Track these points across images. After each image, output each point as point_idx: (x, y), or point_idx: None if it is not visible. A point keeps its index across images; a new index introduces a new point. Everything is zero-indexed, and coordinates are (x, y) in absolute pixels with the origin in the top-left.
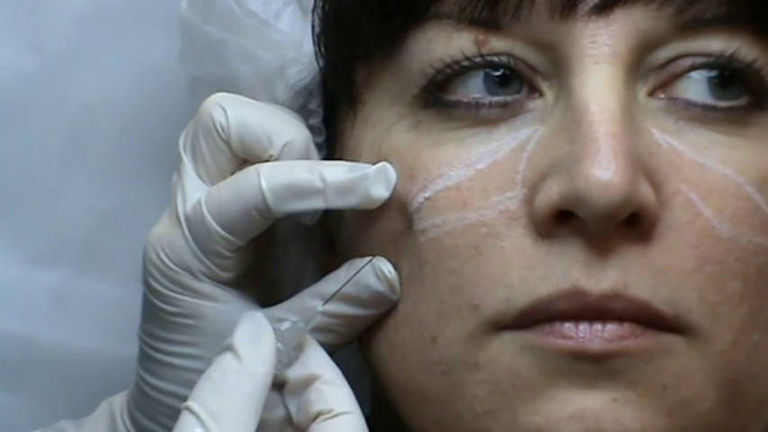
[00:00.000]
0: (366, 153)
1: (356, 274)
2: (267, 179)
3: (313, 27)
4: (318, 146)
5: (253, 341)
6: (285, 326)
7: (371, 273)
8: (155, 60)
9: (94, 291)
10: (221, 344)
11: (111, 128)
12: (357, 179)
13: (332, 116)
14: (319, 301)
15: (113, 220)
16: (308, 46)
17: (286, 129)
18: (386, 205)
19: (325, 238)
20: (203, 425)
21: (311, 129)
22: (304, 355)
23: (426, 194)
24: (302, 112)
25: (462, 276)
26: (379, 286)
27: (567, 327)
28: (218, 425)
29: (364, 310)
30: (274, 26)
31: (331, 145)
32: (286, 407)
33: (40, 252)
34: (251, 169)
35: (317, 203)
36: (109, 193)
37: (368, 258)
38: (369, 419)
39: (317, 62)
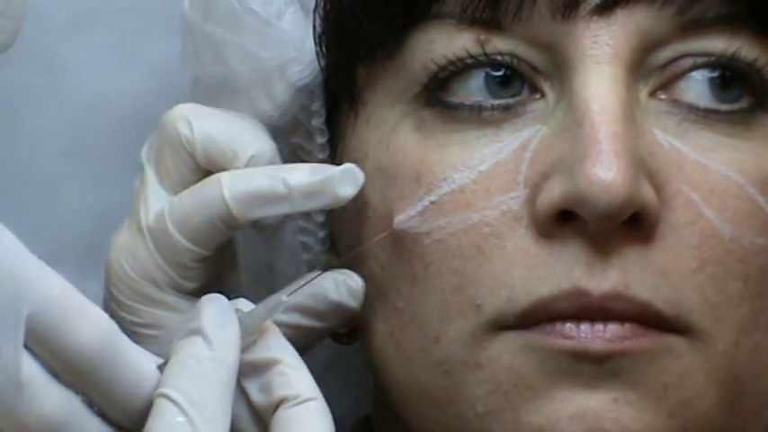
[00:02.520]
0: (373, 152)
1: (317, 276)
2: (230, 188)
3: (314, 27)
4: (321, 147)
5: (220, 326)
6: (246, 311)
7: (332, 285)
8: (156, 59)
9: (96, 290)
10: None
11: (112, 127)
12: (323, 181)
13: (333, 117)
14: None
15: (114, 219)
16: (309, 45)
17: (252, 141)
18: (388, 207)
19: (326, 237)
20: (185, 414)
21: (313, 130)
22: (265, 338)
23: (431, 198)
24: (303, 112)
25: (465, 276)
26: (336, 298)
27: (569, 327)
28: (200, 414)
29: (320, 323)
30: (276, 25)
31: (332, 146)
32: (243, 388)
33: (41, 252)
34: (213, 179)
35: (283, 209)
36: (110, 192)
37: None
38: (370, 420)
39: (319, 62)
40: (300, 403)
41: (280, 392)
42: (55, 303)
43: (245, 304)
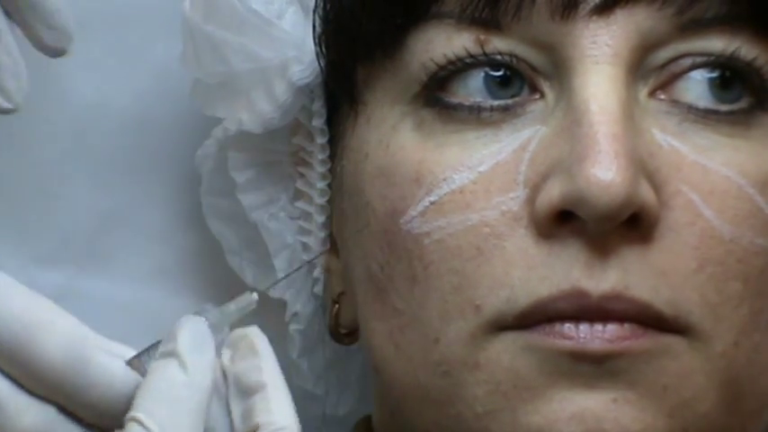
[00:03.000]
0: (373, 152)
1: (298, 269)
2: None
3: (314, 27)
4: (321, 147)
5: (197, 350)
6: (214, 308)
7: None
8: (156, 60)
9: (97, 290)
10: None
11: (113, 128)
12: None
13: (333, 117)
14: None
15: (115, 219)
16: (310, 45)
17: None
18: (388, 207)
19: (326, 238)
20: None
21: (314, 130)
22: (259, 357)
23: (431, 198)
24: (304, 112)
25: (464, 277)
26: None
27: (568, 327)
28: None
29: None
30: (277, 25)
31: (333, 146)
32: (228, 404)
33: (42, 253)
34: None
35: None
36: (110, 193)
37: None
38: (370, 420)
39: (319, 62)
40: None
41: (257, 419)
42: (17, 319)
43: None
